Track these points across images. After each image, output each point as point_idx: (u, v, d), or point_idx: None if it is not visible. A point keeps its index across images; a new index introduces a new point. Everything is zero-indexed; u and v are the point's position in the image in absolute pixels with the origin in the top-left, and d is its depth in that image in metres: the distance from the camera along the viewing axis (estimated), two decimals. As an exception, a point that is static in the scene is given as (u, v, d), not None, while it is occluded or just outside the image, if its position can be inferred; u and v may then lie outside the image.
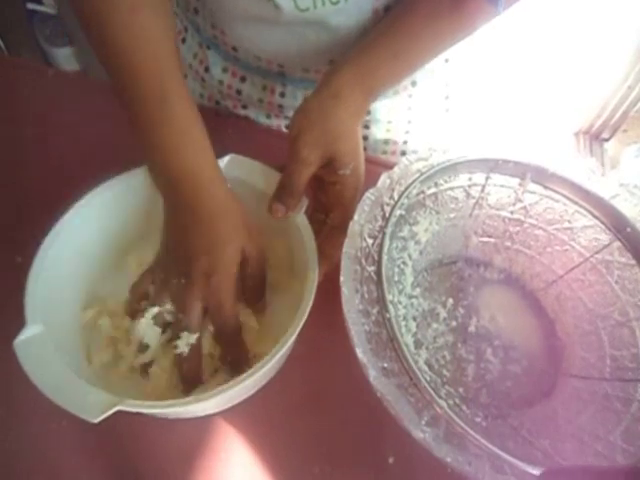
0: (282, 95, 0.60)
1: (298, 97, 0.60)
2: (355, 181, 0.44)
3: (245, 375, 0.34)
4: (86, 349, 0.42)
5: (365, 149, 0.65)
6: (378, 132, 0.64)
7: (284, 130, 0.64)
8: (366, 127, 0.63)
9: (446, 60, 0.60)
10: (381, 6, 0.48)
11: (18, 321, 0.46)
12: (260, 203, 0.44)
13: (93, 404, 0.32)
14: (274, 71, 0.57)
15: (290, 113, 0.61)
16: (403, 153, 0.67)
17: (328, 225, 0.45)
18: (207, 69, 0.61)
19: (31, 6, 1.43)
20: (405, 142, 0.66)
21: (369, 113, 0.61)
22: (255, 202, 0.45)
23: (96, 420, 0.32)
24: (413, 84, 0.60)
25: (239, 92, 0.61)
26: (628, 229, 0.40)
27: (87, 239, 0.43)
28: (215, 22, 0.55)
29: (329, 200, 0.45)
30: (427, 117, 0.64)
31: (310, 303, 0.38)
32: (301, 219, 0.43)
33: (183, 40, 0.63)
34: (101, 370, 0.41)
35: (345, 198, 0.44)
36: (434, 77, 0.61)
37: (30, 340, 0.35)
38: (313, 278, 0.39)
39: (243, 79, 0.60)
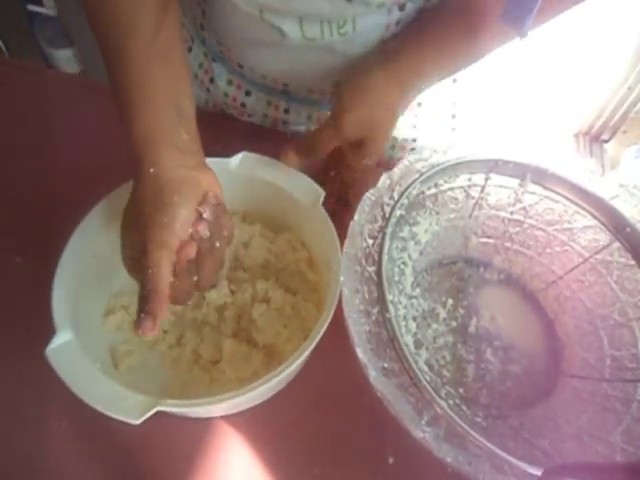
0: (286, 111, 0.60)
1: (302, 114, 0.60)
2: (374, 173, 0.45)
3: (279, 369, 0.35)
4: (112, 354, 0.42)
5: None
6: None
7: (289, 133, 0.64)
8: None
9: (454, 80, 0.60)
10: (390, 35, 0.49)
11: (18, 320, 0.46)
12: (274, 198, 0.45)
13: (133, 406, 0.33)
14: (279, 89, 0.58)
15: (294, 128, 0.62)
16: None
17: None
18: (212, 80, 0.62)
19: (32, 8, 1.43)
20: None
21: None
22: (269, 197, 0.46)
23: (138, 421, 0.32)
24: (418, 105, 0.59)
25: (243, 105, 0.61)
26: (628, 229, 0.40)
27: (106, 243, 0.43)
28: (220, 40, 0.55)
29: (345, 177, 0.46)
30: (433, 135, 0.64)
31: (336, 297, 0.37)
32: (319, 213, 0.43)
33: (189, 49, 0.63)
34: (128, 374, 0.41)
35: (365, 184, 0.45)
36: (440, 97, 0.60)
37: (61, 347, 0.35)
38: (337, 270, 0.38)
39: (248, 93, 0.61)
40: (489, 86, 0.67)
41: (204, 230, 0.37)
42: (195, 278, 0.37)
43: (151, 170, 0.37)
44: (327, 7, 0.45)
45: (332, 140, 0.44)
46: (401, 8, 0.46)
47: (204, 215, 0.37)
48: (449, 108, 0.63)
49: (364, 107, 0.43)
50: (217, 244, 0.38)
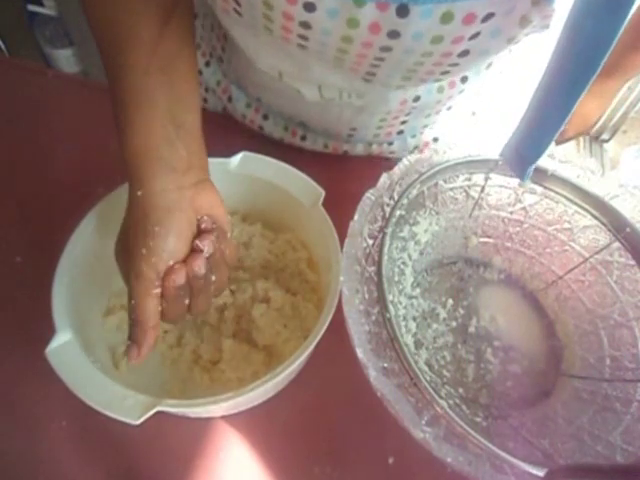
0: (303, 138, 0.60)
1: (318, 142, 0.60)
2: None
3: (279, 370, 0.35)
4: (111, 354, 0.42)
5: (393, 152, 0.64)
6: (405, 143, 0.63)
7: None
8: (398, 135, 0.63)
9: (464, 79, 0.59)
10: (410, 98, 0.48)
11: (18, 320, 0.46)
12: (274, 198, 0.45)
13: (133, 406, 0.33)
14: (296, 120, 0.58)
15: (309, 155, 0.62)
16: None
17: None
18: (230, 99, 0.61)
19: (32, 8, 1.43)
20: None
21: (405, 122, 0.58)
22: (269, 197, 0.46)
23: (138, 422, 0.32)
24: (449, 109, 0.58)
25: (261, 127, 0.61)
26: (628, 229, 0.40)
27: (106, 243, 0.41)
28: (239, 80, 0.56)
29: None
30: (454, 134, 0.63)
31: (336, 297, 0.37)
32: (319, 213, 0.43)
33: (207, 63, 0.62)
34: (128, 374, 0.41)
35: None
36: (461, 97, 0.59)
37: (61, 347, 0.35)
38: (337, 270, 0.39)
39: (266, 117, 0.61)
40: (497, 84, 0.66)
41: (199, 269, 0.34)
42: (187, 301, 0.36)
43: (139, 193, 0.35)
44: (345, 83, 0.45)
45: None
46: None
47: (204, 250, 0.35)
48: (469, 105, 0.62)
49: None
50: (213, 277, 0.36)
